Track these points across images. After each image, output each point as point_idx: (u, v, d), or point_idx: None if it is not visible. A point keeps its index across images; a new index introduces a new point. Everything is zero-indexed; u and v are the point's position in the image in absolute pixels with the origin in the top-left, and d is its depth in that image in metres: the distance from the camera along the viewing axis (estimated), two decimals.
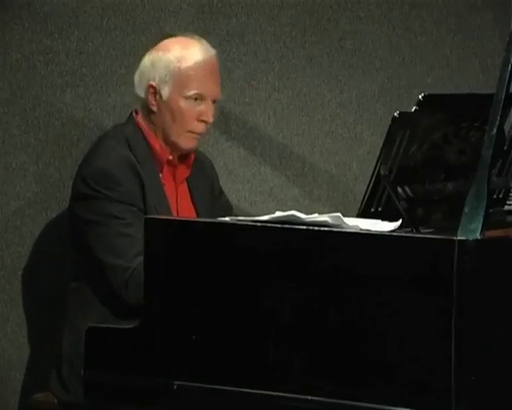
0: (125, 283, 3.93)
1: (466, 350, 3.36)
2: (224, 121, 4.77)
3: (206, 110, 4.17)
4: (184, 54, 4.17)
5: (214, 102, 4.18)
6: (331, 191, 4.83)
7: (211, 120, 4.18)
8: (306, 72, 4.92)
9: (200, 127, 4.17)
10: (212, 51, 4.19)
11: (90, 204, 4.04)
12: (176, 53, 4.17)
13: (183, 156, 4.24)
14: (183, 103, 4.15)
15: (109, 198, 4.02)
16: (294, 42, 4.89)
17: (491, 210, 3.52)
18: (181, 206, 4.23)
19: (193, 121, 4.16)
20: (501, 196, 4.19)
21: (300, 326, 3.51)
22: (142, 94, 4.19)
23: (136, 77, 4.21)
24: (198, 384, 3.63)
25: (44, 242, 4.45)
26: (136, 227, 3.87)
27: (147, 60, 4.19)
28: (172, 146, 4.20)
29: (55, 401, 4.15)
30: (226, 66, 4.65)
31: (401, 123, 3.82)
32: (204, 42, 4.20)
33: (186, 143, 4.19)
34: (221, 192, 4.42)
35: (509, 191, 4.09)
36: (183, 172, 4.24)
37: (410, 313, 3.42)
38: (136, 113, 4.21)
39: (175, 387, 3.64)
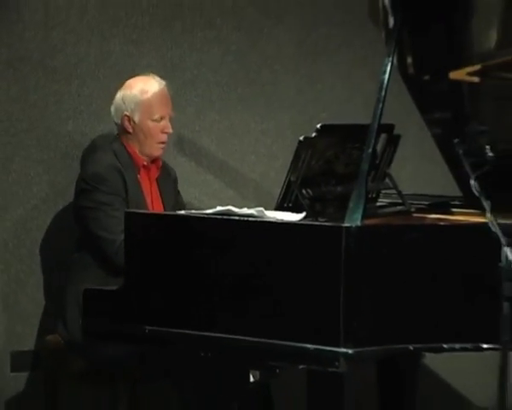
0: (115, 251, 3.93)
1: (350, 303, 3.35)
2: (180, 143, 4.78)
3: (167, 125, 4.18)
4: (144, 88, 4.18)
5: (170, 118, 4.21)
6: (256, 193, 4.84)
7: (171, 130, 4.19)
8: (238, 108, 4.93)
9: (165, 137, 4.17)
10: (163, 83, 4.20)
11: (87, 196, 4.03)
12: (138, 88, 4.18)
13: (154, 161, 4.25)
14: (151, 124, 4.15)
15: (101, 191, 4.01)
16: (230, 87, 4.90)
17: (367, 205, 3.52)
18: (153, 199, 4.23)
19: (159, 135, 4.17)
20: (374, 195, 4.23)
21: (234, 287, 3.49)
22: (119, 121, 4.18)
23: (112, 110, 4.19)
24: (164, 329, 3.63)
25: (54, 228, 4.47)
26: (121, 211, 3.88)
27: (118, 97, 4.17)
28: (146, 154, 4.20)
29: (62, 341, 4.14)
30: (181, 104, 4.66)
31: (305, 144, 3.83)
32: (156, 77, 4.20)
33: (156, 151, 4.19)
34: (178, 192, 4.43)
35: (379, 193, 4.12)
36: (155, 172, 4.23)
37: (310, 276, 3.40)
38: (119, 135, 4.23)
39: (147, 331, 3.65)
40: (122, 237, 3.76)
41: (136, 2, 4.69)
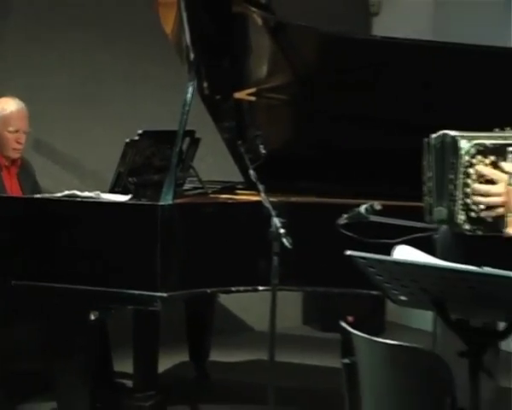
0: None
1: (164, 260, 3.30)
2: (37, 144, 4.62)
3: (20, 136, 3.99)
4: (5, 107, 3.99)
5: (25, 132, 4.01)
6: (95, 181, 4.70)
7: (23, 141, 3.99)
8: (83, 115, 4.82)
9: (19, 146, 3.99)
10: (22, 104, 4.02)
11: None
12: (0, 107, 4.00)
13: (13, 161, 4.05)
14: (8, 135, 3.97)
15: None
16: (77, 99, 4.77)
17: (177, 189, 3.51)
18: (14, 191, 4.03)
19: (14, 143, 3.98)
20: (182, 182, 4.17)
21: (79, 251, 3.40)
22: None
23: None
24: (26, 282, 3.48)
25: None
26: None
27: None
28: (6, 157, 4.01)
29: None
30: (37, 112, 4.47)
31: (130, 145, 3.77)
32: (16, 99, 4.01)
33: (13, 155, 4.01)
34: (36, 183, 4.22)
35: (185, 180, 4.07)
36: (14, 170, 4.06)
37: (135, 242, 3.35)
38: None
39: (12, 284, 3.49)
40: None
41: None
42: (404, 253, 2.06)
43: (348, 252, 2.00)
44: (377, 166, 3.69)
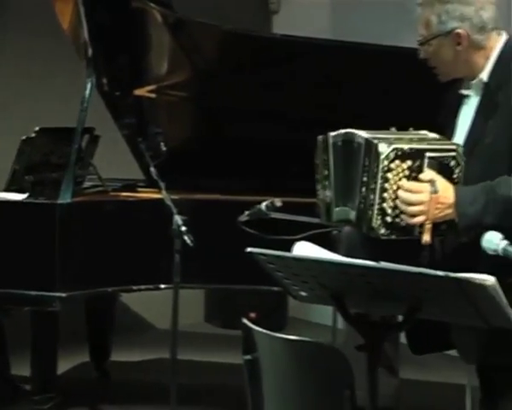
0: None
1: (62, 260, 3.27)
2: None
3: None
4: None
5: None
6: None
7: None
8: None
9: None
10: None
11: None
12: None
13: None
14: None
15: None
16: None
17: (76, 187, 3.47)
18: None
19: None
20: (81, 180, 4.10)
21: None
22: None
23: None
24: None
25: None
26: None
27: None
28: None
29: None
30: None
31: (26, 142, 3.70)
32: None
33: None
34: None
35: (84, 178, 4.00)
36: None
37: (34, 241, 3.28)
38: None
39: None
40: None
41: None
42: (304, 249, 2.09)
43: (249, 249, 2.02)
44: (280, 163, 3.73)
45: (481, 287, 1.78)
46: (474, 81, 2.43)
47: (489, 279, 1.78)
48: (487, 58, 2.40)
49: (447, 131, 2.46)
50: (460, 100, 2.48)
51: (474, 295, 1.81)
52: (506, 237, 2.01)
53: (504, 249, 1.97)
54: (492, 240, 2.00)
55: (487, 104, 2.38)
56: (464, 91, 2.46)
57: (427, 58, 2.45)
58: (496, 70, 2.38)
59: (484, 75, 2.41)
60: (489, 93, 2.38)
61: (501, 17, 2.41)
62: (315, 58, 3.56)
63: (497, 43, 2.41)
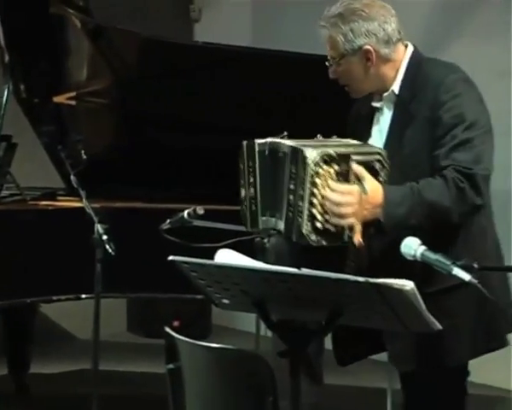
0: None
1: None
2: None
3: None
4: None
5: None
6: None
7: None
8: None
9: None
10: None
11: None
12: None
13: None
14: None
15: None
16: None
17: None
18: None
19: None
20: None
21: None
22: None
23: None
24: None
25: None
26: None
27: None
28: None
29: None
30: None
31: None
32: None
33: None
34: None
35: (1, 187, 3.91)
36: None
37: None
38: None
39: None
40: None
41: None
42: (226, 256, 2.09)
43: (170, 257, 2.00)
44: (202, 170, 3.72)
45: (400, 292, 1.80)
46: (385, 94, 2.45)
47: (407, 284, 1.80)
48: (397, 70, 2.43)
49: (362, 141, 2.45)
50: (372, 111, 2.49)
51: (393, 300, 1.82)
52: (427, 239, 2.03)
53: (422, 255, 2.00)
54: (411, 245, 2.01)
55: (402, 115, 2.40)
56: (376, 104, 2.48)
57: (338, 77, 2.47)
58: (405, 81, 2.41)
59: (395, 87, 2.43)
60: (402, 104, 2.40)
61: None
62: (235, 65, 3.58)
63: (405, 54, 2.44)
